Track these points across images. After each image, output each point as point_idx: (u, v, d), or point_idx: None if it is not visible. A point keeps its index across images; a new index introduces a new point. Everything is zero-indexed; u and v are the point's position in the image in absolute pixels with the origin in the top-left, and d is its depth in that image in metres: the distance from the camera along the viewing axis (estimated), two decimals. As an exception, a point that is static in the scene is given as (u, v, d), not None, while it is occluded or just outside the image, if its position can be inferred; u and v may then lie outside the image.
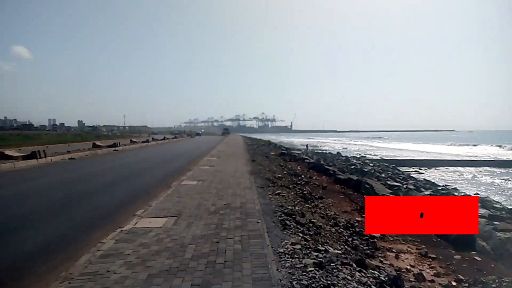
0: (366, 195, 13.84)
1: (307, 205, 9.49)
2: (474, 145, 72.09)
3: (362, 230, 9.18)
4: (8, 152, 18.91)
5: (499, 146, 69.72)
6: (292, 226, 6.56)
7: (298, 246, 5.13)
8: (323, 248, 5.19)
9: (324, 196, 14.12)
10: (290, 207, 7.96)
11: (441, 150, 62.50)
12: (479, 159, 41.91)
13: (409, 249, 8.11)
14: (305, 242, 5.66)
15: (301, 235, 6.09)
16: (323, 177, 20.62)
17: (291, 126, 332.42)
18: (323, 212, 9.61)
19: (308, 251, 5.00)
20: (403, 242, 8.53)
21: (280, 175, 16.39)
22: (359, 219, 10.53)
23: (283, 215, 7.16)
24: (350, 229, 9.03)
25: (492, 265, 6.74)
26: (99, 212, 8.42)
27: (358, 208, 11.92)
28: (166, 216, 7.19)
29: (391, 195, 12.49)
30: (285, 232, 6.04)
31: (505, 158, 43.18)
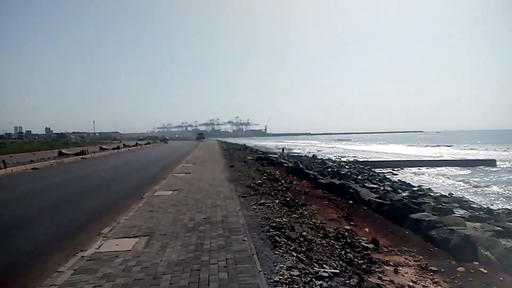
0: (351, 200, 13.26)
1: (294, 215, 8.69)
2: (449, 146, 74.57)
3: (354, 240, 8.51)
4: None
5: (450, 146, 73.91)
6: (282, 242, 5.74)
7: (296, 272, 4.31)
8: (326, 274, 4.39)
9: (308, 202, 13.42)
10: (277, 219, 7.13)
11: (403, 150, 64.83)
12: (443, 158, 43.57)
13: (407, 261, 7.47)
14: (302, 265, 4.85)
15: (294, 254, 5.28)
16: (304, 181, 20.00)
17: (265, 129, 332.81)
18: (311, 222, 8.86)
19: (308, 278, 4.19)
20: (399, 254, 7.89)
21: (260, 181, 15.59)
22: (348, 227, 9.87)
23: (271, 230, 6.33)
24: (341, 240, 8.33)
25: (501, 278, 6.17)
26: (59, 231, 7.29)
27: (345, 214, 11.28)
28: (137, 236, 6.19)
29: (377, 200, 11.91)
30: (276, 252, 5.21)
31: (464, 157, 44.89)
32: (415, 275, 6.81)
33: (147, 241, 5.83)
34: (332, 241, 7.99)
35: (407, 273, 6.90)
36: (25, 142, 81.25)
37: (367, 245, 8.24)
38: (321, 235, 8.09)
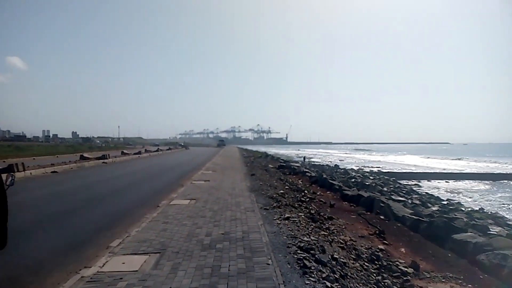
0: (382, 215, 12.20)
1: (322, 232, 7.79)
2: (459, 159, 71.35)
3: (390, 263, 7.52)
4: (-19, 165, 17.08)
5: (459, 159, 70.39)
6: (313, 268, 4.89)
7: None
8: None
9: (334, 216, 12.46)
10: (305, 238, 6.27)
11: (418, 162, 62.55)
12: (470, 171, 41.90)
13: (454, 290, 6.46)
14: (338, 299, 4.00)
15: (329, 285, 4.42)
16: (328, 192, 19.00)
17: (286, 138, 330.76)
18: (340, 240, 7.93)
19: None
20: (443, 280, 6.86)
21: (282, 191, 14.74)
22: (381, 247, 8.87)
23: (299, 251, 5.49)
24: (376, 262, 7.36)
25: None
26: (65, 243, 6.69)
27: (377, 232, 10.27)
28: (146, 253, 5.47)
29: (413, 216, 10.82)
30: (307, 281, 4.37)
31: (492, 171, 42.95)
32: (466, 309, 5.80)
33: (157, 260, 5.10)
34: (366, 263, 7.04)
35: (456, 306, 5.90)
36: (51, 145, 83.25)
37: (406, 269, 7.24)
38: (353, 257, 7.17)
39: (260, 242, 5.89)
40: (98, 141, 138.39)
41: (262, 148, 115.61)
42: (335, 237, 8.02)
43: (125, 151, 44.45)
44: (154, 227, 7.13)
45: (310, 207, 13.45)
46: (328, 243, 7.04)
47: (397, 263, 7.70)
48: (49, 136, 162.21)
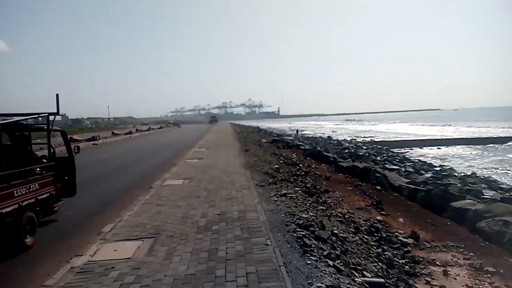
0: (378, 185, 12.12)
1: (320, 207, 7.63)
2: (448, 125, 71.57)
3: (390, 234, 7.44)
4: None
5: (449, 125, 70.41)
6: (313, 246, 4.72)
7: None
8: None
9: (330, 188, 12.37)
10: (303, 215, 6.08)
11: (405, 129, 63.09)
12: (460, 137, 42.65)
13: (456, 259, 6.37)
14: (341, 277, 3.84)
15: (331, 263, 4.26)
16: (323, 165, 18.90)
17: (278, 111, 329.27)
18: (339, 214, 7.80)
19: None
20: (444, 250, 6.80)
21: (277, 166, 14.56)
22: (380, 218, 8.79)
23: (298, 229, 5.30)
24: (375, 234, 7.27)
25: None
26: (56, 229, 6.46)
27: (374, 202, 10.19)
28: (140, 238, 5.25)
29: (410, 185, 10.74)
30: (308, 261, 4.19)
31: (481, 135, 43.38)
32: (469, 277, 5.73)
33: (151, 246, 4.88)
34: (365, 236, 6.94)
35: (458, 275, 5.82)
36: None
37: (405, 240, 7.16)
38: (352, 230, 7.04)
39: (257, 221, 5.70)
40: (88, 122, 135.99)
41: (254, 123, 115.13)
42: (333, 211, 7.89)
43: (115, 131, 43.84)
44: (148, 210, 6.90)
45: (306, 181, 13.32)
46: (326, 218, 6.89)
47: (397, 233, 7.62)
48: (38, 119, 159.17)
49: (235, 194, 7.72)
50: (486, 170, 22.22)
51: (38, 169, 6.09)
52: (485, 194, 12.72)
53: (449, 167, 22.88)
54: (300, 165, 17.73)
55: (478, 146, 34.17)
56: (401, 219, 8.90)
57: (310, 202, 7.68)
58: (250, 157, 15.26)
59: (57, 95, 6.78)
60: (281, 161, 17.30)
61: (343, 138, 47.53)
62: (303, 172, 15.58)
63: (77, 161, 7.79)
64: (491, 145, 34.93)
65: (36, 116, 6.81)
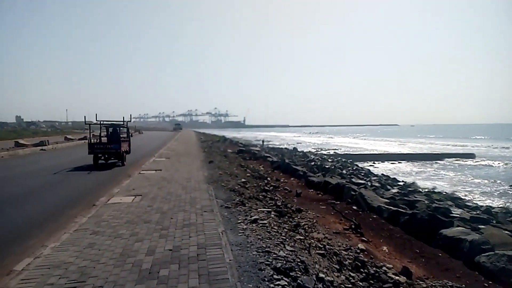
0: (354, 205, 11.09)
1: (298, 237, 6.35)
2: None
3: (377, 270, 6.28)
4: None
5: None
6: (298, 304, 3.41)
7: None
8: None
9: (302, 207, 11.19)
10: (282, 254, 4.76)
11: (354, 143, 65.69)
12: (416, 152, 44.81)
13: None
14: None
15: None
16: (292, 179, 17.81)
17: (244, 121, 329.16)
18: (318, 244, 6.56)
19: None
20: (442, 291, 5.72)
21: (244, 179, 13.27)
22: (362, 246, 7.65)
23: (275, 276, 3.98)
24: (362, 270, 6.08)
25: None
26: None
27: (352, 226, 9.09)
28: (53, 291, 3.70)
29: (390, 207, 9.76)
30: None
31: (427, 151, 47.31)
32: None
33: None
34: (351, 274, 5.73)
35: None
36: (-9, 130, 75.83)
37: (397, 277, 6.03)
38: (336, 267, 5.80)
39: (221, 262, 4.31)
40: (44, 126, 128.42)
41: (222, 132, 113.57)
42: (311, 240, 6.63)
43: (68, 136, 40.66)
44: (79, 240, 5.30)
45: (276, 198, 12.10)
46: (306, 251, 5.62)
47: (385, 269, 6.48)
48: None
49: (195, 219, 6.27)
50: (445, 185, 23.11)
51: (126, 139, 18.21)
52: (453, 212, 12.21)
53: (411, 182, 22.92)
54: (268, 178, 16.53)
55: (430, 162, 36.18)
56: (385, 248, 7.82)
57: (285, 230, 6.37)
58: (214, 169, 13.83)
59: (130, 115, 19.61)
60: (248, 174, 16.01)
61: (308, 150, 47.36)
62: (272, 187, 14.38)
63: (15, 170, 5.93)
64: (438, 161, 37.18)
65: (122, 121, 18.39)
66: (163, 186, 9.93)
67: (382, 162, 37.05)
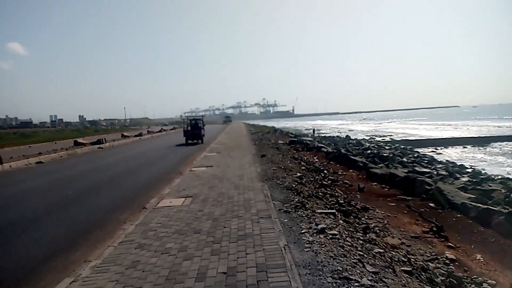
0: (432, 201, 9.62)
1: (377, 249, 5.24)
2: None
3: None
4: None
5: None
6: None
7: None
8: None
9: (368, 204, 9.97)
10: (365, 280, 3.72)
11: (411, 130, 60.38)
12: (480, 136, 40.17)
13: None
14: None
15: None
16: (350, 171, 16.43)
17: (293, 110, 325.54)
18: (403, 258, 5.38)
19: None
20: None
21: (299, 174, 12.26)
22: (450, 255, 6.35)
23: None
24: (460, 290, 4.86)
25: None
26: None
27: (433, 228, 7.73)
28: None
29: (479, 204, 8.21)
30: None
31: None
32: None
33: None
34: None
35: None
36: (57, 130, 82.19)
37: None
38: (427, 284, 4.64)
39: (288, 292, 3.38)
40: (104, 124, 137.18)
41: (270, 123, 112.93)
42: (392, 253, 5.48)
43: (125, 133, 42.17)
44: (122, 256, 4.67)
45: (337, 194, 10.96)
46: (390, 269, 4.51)
47: (486, 286, 5.20)
48: (54, 121, 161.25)
49: (251, 228, 5.40)
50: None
51: (202, 129, 27.62)
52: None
53: (479, 168, 20.46)
54: (325, 171, 15.35)
55: (484, 146, 32.62)
56: (479, 256, 6.44)
57: (361, 242, 5.29)
58: (267, 164, 12.94)
59: (203, 115, 32.47)
60: (303, 168, 14.96)
61: (362, 138, 45.05)
62: (330, 181, 13.23)
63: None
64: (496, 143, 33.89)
65: (201, 115, 31.64)
66: (214, 185, 9.23)
67: (445, 147, 33.95)
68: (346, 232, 5.48)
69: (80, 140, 28.82)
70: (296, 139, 30.75)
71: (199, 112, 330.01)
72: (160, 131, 53.13)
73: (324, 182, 12.45)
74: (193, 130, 27.16)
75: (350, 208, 9.36)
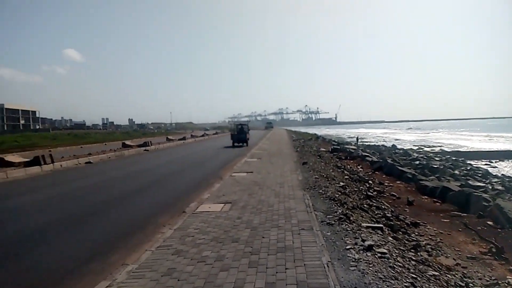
0: (490, 219, 8.75)
1: (430, 272, 4.73)
2: None
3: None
4: (9, 158, 15.82)
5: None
6: None
7: None
8: None
9: (418, 219, 9.29)
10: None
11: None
12: None
13: None
14: None
15: None
16: (398, 182, 15.57)
17: (335, 118, 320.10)
18: (460, 283, 4.83)
19: None
20: None
21: (342, 183, 11.78)
22: (514, 281, 5.64)
23: None
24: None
25: None
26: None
27: (493, 249, 6.97)
28: None
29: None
30: None
31: None
32: None
33: None
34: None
35: None
36: (108, 132, 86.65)
37: None
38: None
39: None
40: (152, 127, 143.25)
41: (311, 129, 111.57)
42: (448, 276, 4.93)
43: (170, 137, 43.41)
44: (158, 262, 4.56)
45: (383, 206, 10.37)
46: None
47: None
48: (106, 124, 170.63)
49: (291, 240, 5.10)
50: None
51: (247, 133, 30.07)
52: None
53: None
54: (370, 181, 14.66)
55: None
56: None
57: (413, 262, 4.81)
58: (309, 172, 12.55)
59: (248, 120, 36.67)
60: (346, 177, 14.40)
61: (409, 147, 43.07)
62: (375, 192, 12.60)
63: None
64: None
65: (247, 121, 25.92)
66: (254, 192, 9.02)
67: (500, 160, 31.46)
68: (396, 251, 5.02)
69: (127, 142, 30.02)
70: (339, 147, 29.97)
71: (241, 118, 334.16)
72: (203, 135, 54.21)
73: (370, 193, 11.86)
74: (239, 134, 29.83)
75: (399, 223, 8.76)
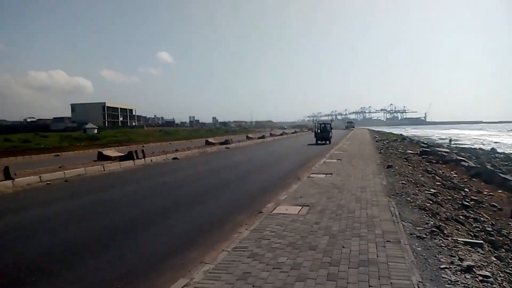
0: None
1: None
2: None
3: None
4: (107, 152, 17.63)
5: None
6: None
7: None
8: None
9: (527, 237, 7.98)
10: None
11: None
12: None
13: None
14: None
15: None
16: (499, 191, 13.69)
17: (425, 117, 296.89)
18: None
19: None
20: None
21: (433, 190, 10.73)
22: None
23: None
24: None
25: None
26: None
27: None
28: None
29: None
30: None
31: None
32: None
33: None
34: None
35: None
36: (194, 130, 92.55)
37: None
38: None
39: None
40: (233, 125, 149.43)
41: (395, 130, 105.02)
42: None
43: (249, 135, 44.40)
44: (234, 264, 4.51)
45: (482, 218, 9.16)
46: None
47: None
48: (192, 122, 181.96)
49: (375, 253, 4.66)
50: None
51: (330, 132, 32.44)
52: None
53: None
54: (466, 189, 13.14)
55: None
56: None
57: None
58: (394, 176, 11.65)
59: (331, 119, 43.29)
60: (437, 183, 13.12)
61: (510, 152, 37.81)
62: (472, 201, 11.23)
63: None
64: None
65: (330, 120, 35.91)
66: (333, 195, 8.60)
67: None
68: (501, 274, 4.27)
69: (210, 140, 31.44)
70: (428, 150, 27.51)
71: (321, 117, 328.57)
72: (282, 134, 54.45)
73: (466, 203, 10.61)
74: (322, 132, 31.77)
75: (501, 239, 7.64)
